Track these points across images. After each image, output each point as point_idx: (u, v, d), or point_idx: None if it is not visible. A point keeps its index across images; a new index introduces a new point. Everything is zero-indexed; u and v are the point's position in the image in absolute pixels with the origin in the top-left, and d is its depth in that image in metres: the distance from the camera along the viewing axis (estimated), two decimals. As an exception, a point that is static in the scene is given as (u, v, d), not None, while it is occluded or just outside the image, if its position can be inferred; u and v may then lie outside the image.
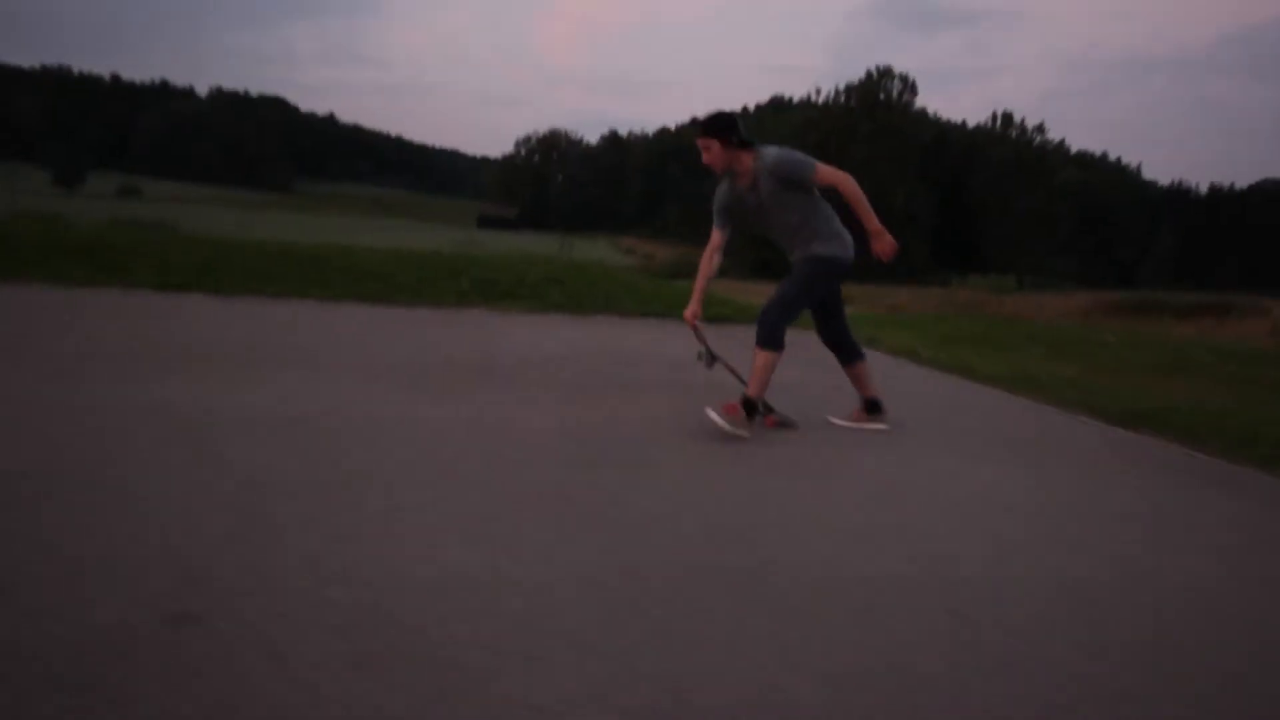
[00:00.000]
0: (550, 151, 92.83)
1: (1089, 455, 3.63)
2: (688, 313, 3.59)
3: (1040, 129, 60.85)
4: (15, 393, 3.05)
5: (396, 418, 3.13)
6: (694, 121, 3.48)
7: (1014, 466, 3.25)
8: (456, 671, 1.44)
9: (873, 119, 51.03)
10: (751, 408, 3.33)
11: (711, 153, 3.37)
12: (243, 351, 4.20)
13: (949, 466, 3.15)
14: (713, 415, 3.25)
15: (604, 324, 6.41)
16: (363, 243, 10.43)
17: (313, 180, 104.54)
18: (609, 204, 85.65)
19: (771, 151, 3.40)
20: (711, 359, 3.58)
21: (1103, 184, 63.93)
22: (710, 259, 3.62)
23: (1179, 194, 72.39)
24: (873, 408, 3.67)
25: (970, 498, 2.82)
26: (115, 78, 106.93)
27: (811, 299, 3.54)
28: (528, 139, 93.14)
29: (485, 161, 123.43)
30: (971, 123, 61.05)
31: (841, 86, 53.66)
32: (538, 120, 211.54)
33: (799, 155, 3.38)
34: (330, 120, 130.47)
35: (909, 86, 53.80)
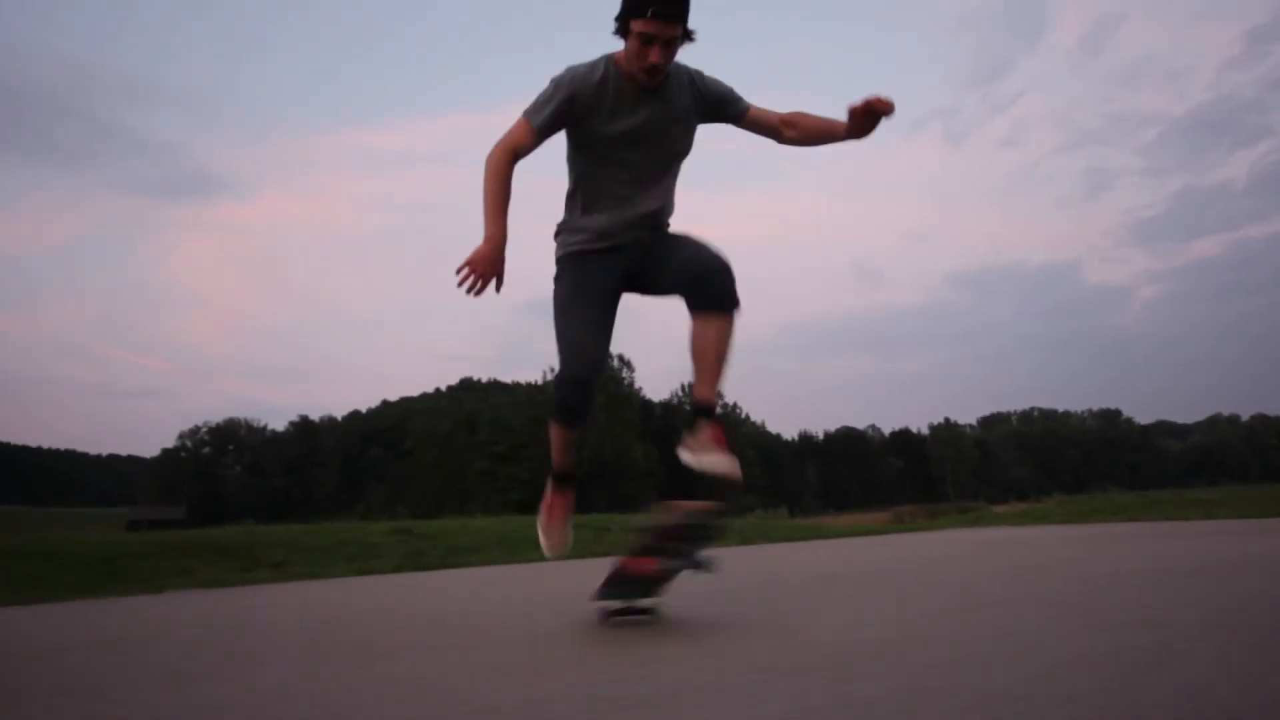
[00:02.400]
0: (225, 442, 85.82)
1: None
2: (483, 254, 2.03)
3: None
4: None
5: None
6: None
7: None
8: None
9: (604, 391, 58.15)
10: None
11: (673, 48, 2.07)
12: None
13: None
14: (707, 459, 2.07)
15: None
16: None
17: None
18: (302, 490, 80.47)
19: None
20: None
21: (752, 436, 77.91)
22: (507, 166, 2.13)
23: (807, 440, 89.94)
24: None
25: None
26: None
27: None
28: (195, 430, 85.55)
29: (117, 460, 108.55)
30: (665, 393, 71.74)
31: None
32: (196, 412, 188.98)
33: None
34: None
35: (626, 364, 62.77)
